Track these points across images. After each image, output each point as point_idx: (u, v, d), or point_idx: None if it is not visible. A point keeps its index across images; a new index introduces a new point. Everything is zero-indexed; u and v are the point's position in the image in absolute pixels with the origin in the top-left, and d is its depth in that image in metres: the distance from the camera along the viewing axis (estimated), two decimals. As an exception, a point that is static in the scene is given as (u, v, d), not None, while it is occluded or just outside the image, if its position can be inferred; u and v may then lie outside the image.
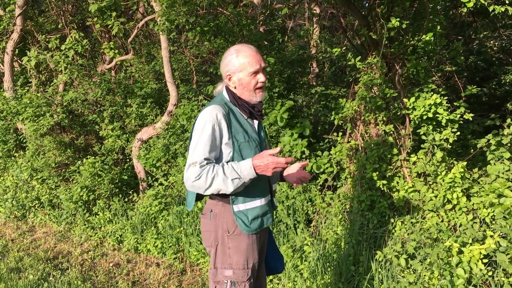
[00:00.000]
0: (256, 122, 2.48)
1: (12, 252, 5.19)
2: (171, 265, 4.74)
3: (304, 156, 4.89)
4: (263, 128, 2.59)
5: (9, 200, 6.69)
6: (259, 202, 2.42)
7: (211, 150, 2.25)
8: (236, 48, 2.39)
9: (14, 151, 7.66)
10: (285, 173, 2.68)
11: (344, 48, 5.16)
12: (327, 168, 4.78)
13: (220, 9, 5.79)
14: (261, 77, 2.38)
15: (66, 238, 5.66)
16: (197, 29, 5.25)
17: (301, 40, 8.85)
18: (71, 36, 7.16)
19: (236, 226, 2.38)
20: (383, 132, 4.49)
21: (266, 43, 6.16)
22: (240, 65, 2.35)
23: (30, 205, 6.50)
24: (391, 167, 4.34)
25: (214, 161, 2.28)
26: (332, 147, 4.94)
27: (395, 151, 4.36)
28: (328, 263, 3.99)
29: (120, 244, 5.31)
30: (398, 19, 4.18)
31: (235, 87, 2.41)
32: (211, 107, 2.31)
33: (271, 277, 4.10)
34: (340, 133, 4.83)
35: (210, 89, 5.80)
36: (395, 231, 3.97)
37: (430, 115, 4.11)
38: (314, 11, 7.32)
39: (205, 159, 2.23)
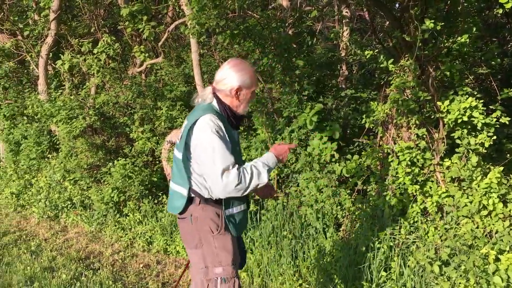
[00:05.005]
0: (235, 132, 2.65)
1: (46, 252, 5.32)
2: (200, 267, 4.76)
3: (333, 159, 4.84)
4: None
5: (42, 200, 6.86)
6: (243, 207, 2.63)
7: (231, 153, 2.36)
8: (245, 65, 2.54)
9: (47, 152, 7.85)
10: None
11: (376, 50, 5.09)
12: (357, 171, 4.72)
13: (250, 12, 5.80)
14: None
15: (97, 239, 5.76)
16: (227, 32, 5.27)
17: (328, 42, 8.78)
18: (103, 40, 7.30)
19: (220, 227, 2.51)
20: (415, 135, 4.40)
21: (294, 45, 6.13)
22: (251, 83, 2.53)
23: (63, 205, 6.64)
24: (424, 172, 4.25)
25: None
26: (363, 150, 4.87)
27: (428, 155, 4.27)
28: (358, 269, 3.93)
29: (150, 246, 5.37)
30: (432, 21, 4.10)
31: (237, 99, 2.53)
32: (209, 116, 2.40)
33: (300, 281, 4.09)
34: (372, 137, 4.76)
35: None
36: (428, 237, 3.88)
37: (465, 118, 4.00)
38: (346, 13, 7.25)
39: (233, 162, 2.33)
